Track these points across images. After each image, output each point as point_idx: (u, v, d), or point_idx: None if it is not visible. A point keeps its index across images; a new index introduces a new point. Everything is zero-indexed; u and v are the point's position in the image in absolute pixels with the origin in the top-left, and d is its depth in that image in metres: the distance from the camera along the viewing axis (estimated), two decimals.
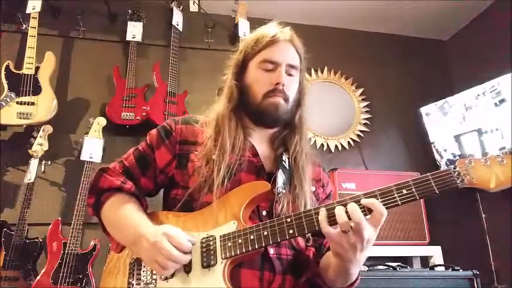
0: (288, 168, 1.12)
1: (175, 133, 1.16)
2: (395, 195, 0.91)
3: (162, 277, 0.98)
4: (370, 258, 2.41)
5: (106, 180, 1.12)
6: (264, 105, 1.13)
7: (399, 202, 0.90)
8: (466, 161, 0.90)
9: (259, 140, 1.19)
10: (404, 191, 0.90)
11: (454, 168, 0.90)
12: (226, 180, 1.05)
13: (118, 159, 1.20)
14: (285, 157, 1.14)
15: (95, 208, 1.14)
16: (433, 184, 0.89)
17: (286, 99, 1.14)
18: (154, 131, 1.20)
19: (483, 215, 2.70)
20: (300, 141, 1.17)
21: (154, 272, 1.00)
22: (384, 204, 0.90)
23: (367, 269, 2.24)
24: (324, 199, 1.22)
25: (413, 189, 0.90)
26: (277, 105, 1.13)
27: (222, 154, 1.08)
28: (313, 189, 1.16)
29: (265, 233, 0.95)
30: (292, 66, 1.16)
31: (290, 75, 1.15)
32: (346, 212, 0.89)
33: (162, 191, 1.23)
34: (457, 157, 2.91)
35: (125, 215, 1.07)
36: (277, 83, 1.12)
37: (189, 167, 1.11)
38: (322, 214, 0.92)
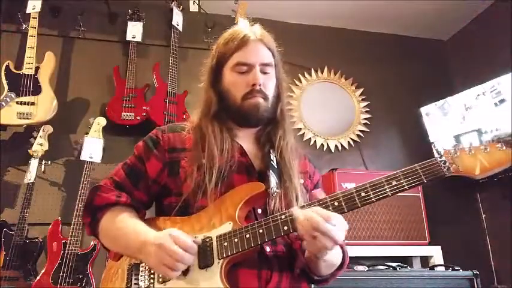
0: (276, 165, 1.13)
1: (163, 142, 1.16)
2: (386, 186, 0.94)
3: (160, 279, 0.99)
4: (370, 258, 2.42)
5: (100, 197, 1.11)
6: (245, 107, 1.14)
7: (389, 193, 0.94)
8: (452, 151, 0.95)
9: (246, 140, 1.19)
10: (394, 182, 0.95)
11: (440, 157, 0.94)
12: (219, 182, 1.06)
13: (107, 176, 1.18)
14: (272, 155, 1.15)
15: (92, 226, 1.13)
16: (421, 174, 0.93)
17: (265, 98, 1.15)
18: (141, 143, 1.20)
19: (483, 215, 2.70)
20: (283, 135, 1.18)
21: (152, 276, 1.00)
22: (375, 196, 0.94)
23: (367, 269, 2.24)
24: (312, 189, 1.23)
25: (403, 180, 0.94)
26: (257, 105, 1.14)
27: (211, 159, 1.08)
28: (302, 181, 1.17)
29: (261, 231, 0.97)
30: (266, 64, 1.16)
31: (265, 73, 1.16)
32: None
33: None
34: None
35: (124, 225, 1.07)
36: (253, 84, 1.13)
37: (181, 173, 1.11)
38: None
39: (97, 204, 1.11)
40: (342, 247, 1.09)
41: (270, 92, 1.17)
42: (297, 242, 1.11)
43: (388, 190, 0.94)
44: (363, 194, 0.95)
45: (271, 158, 1.14)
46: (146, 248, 0.98)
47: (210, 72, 1.22)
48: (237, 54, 1.16)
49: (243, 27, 1.21)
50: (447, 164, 0.92)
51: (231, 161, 1.10)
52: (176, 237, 0.95)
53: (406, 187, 0.93)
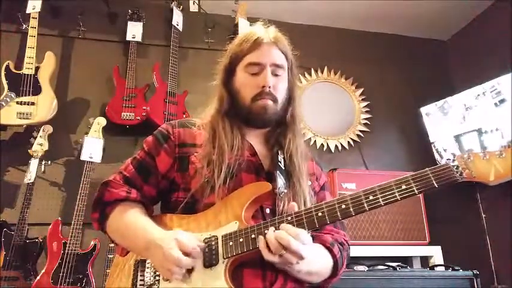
0: (285, 167, 1.13)
1: (174, 137, 1.17)
2: (395, 190, 0.92)
3: (165, 277, 0.99)
4: (370, 258, 2.42)
5: (111, 193, 1.12)
6: (253, 108, 1.15)
7: (398, 197, 0.92)
8: (465, 156, 0.92)
9: (255, 140, 1.20)
10: (404, 186, 0.92)
11: (452, 162, 0.91)
12: (228, 179, 1.06)
13: (117, 171, 1.18)
14: (281, 157, 1.15)
15: (101, 221, 1.13)
16: (432, 179, 0.91)
17: (274, 100, 1.15)
18: (150, 138, 1.20)
19: (483, 215, 2.70)
20: (293, 139, 1.19)
21: (157, 273, 1.01)
22: (384, 200, 0.93)
23: (367, 269, 2.24)
24: (318, 191, 1.24)
25: (413, 184, 0.92)
26: (265, 107, 1.14)
27: (221, 155, 1.09)
28: (309, 183, 1.17)
29: (266, 231, 0.96)
30: (277, 66, 1.17)
31: (276, 75, 1.17)
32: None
33: None
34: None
35: (132, 221, 1.07)
36: (263, 86, 1.13)
37: (190, 169, 1.11)
38: (262, 243, 0.94)
39: (107, 200, 1.11)
40: (334, 256, 1.09)
41: (281, 94, 1.17)
42: None
43: (397, 194, 0.92)
44: (371, 198, 0.93)
45: (279, 159, 1.14)
46: (151, 248, 0.98)
47: (223, 71, 1.23)
48: (249, 55, 1.17)
49: (257, 29, 1.22)
50: (460, 169, 0.90)
51: (240, 158, 1.10)
52: (180, 241, 0.95)
53: (416, 192, 0.91)
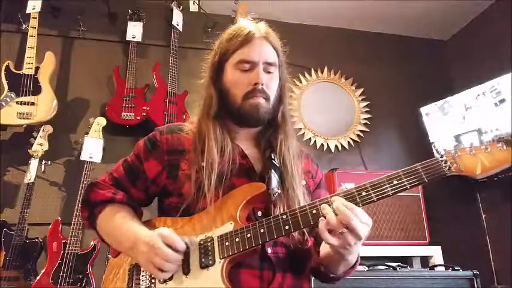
0: (278, 168, 1.11)
1: (161, 144, 1.14)
2: (387, 186, 0.93)
3: (161, 280, 0.99)
4: (370, 258, 2.42)
5: (97, 194, 1.12)
6: (245, 107, 1.11)
7: (390, 192, 0.93)
8: (453, 151, 0.95)
9: (246, 142, 1.17)
10: (395, 182, 0.94)
11: (441, 157, 0.94)
12: (219, 185, 1.05)
13: (108, 171, 1.19)
14: (274, 156, 1.13)
15: (90, 221, 1.14)
16: (422, 173, 0.93)
17: (266, 98, 1.11)
18: (141, 143, 1.18)
19: (483, 215, 2.70)
20: (285, 139, 1.16)
21: (153, 276, 1.00)
22: (376, 195, 0.93)
23: (367, 269, 2.23)
24: (314, 189, 1.22)
25: (404, 179, 0.93)
26: (258, 106, 1.10)
27: (211, 163, 1.06)
28: (304, 182, 1.15)
29: (262, 230, 0.96)
30: (269, 64, 1.13)
31: (269, 72, 1.13)
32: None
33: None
34: None
35: (119, 223, 1.08)
36: (255, 83, 1.10)
37: (180, 175, 1.09)
38: (322, 224, 0.92)
39: (93, 200, 1.12)
40: None
41: (272, 92, 1.14)
42: (309, 239, 1.10)
43: (389, 189, 0.93)
44: (363, 194, 0.94)
45: (273, 158, 1.12)
46: (137, 247, 0.98)
47: (211, 69, 1.18)
48: (240, 51, 1.12)
49: (247, 24, 1.17)
50: (448, 163, 0.92)
51: (232, 164, 1.08)
52: (165, 236, 0.95)
53: (407, 186, 0.93)
